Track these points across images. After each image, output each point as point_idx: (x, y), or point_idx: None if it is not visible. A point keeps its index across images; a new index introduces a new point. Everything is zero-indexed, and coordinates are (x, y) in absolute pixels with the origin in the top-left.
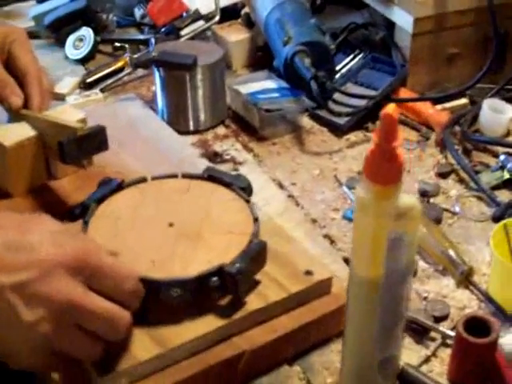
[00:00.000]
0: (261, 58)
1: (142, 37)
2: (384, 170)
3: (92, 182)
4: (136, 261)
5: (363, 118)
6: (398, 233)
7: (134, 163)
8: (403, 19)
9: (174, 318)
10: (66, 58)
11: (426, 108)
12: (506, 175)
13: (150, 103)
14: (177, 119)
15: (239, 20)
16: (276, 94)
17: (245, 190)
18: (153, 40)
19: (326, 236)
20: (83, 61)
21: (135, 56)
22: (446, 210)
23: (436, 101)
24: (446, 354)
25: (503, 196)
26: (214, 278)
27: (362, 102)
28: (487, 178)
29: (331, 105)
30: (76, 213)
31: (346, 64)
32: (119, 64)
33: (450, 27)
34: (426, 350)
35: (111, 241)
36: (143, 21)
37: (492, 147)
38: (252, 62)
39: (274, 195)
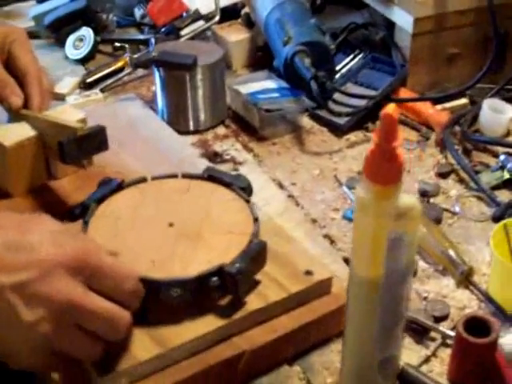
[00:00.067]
0: (261, 58)
1: (141, 37)
2: (384, 170)
3: (92, 182)
4: (136, 261)
5: (363, 118)
6: (398, 233)
7: (133, 163)
8: (403, 19)
9: (174, 318)
10: (66, 58)
11: (426, 108)
12: (506, 175)
13: (150, 103)
14: (177, 119)
15: (239, 20)
16: (276, 94)
17: (245, 190)
18: (153, 40)
19: (326, 236)
20: (83, 61)
21: (135, 56)
22: (446, 210)
23: (436, 101)
24: (446, 354)
25: (503, 196)
26: (214, 278)
27: (362, 102)
28: (487, 178)
29: (331, 105)
30: (76, 213)
31: (346, 64)
32: (119, 64)
33: (450, 27)
34: (426, 350)
35: (111, 241)
36: (143, 21)
37: (492, 147)
38: (252, 62)
39: (274, 195)
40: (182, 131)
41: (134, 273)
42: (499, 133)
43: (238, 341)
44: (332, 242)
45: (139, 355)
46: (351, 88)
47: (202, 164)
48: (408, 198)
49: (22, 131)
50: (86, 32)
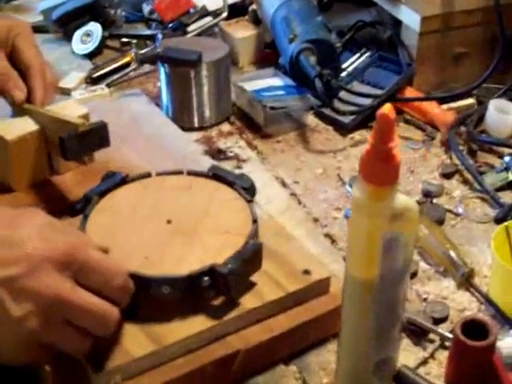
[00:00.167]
0: (267, 55)
1: (149, 32)
2: (379, 170)
3: (94, 177)
4: (130, 256)
5: (368, 117)
6: (394, 234)
7: (136, 159)
8: (410, 18)
9: (168, 316)
10: (74, 52)
11: (431, 108)
12: (511, 177)
13: (156, 99)
14: (181, 115)
15: (246, 17)
16: (281, 92)
17: (248, 190)
18: (159, 36)
19: (327, 235)
20: (90, 56)
21: (141, 52)
22: (449, 211)
23: (442, 100)
24: (443, 356)
25: (507, 198)
26: (206, 278)
27: (368, 101)
28: (492, 179)
29: (336, 103)
30: (77, 208)
31: (352, 62)
32: (125, 59)
33: (458, 26)
34: (423, 351)
35: (108, 234)
36: (151, 16)
37: (497, 148)
38: (258, 58)
39: (277, 193)
40: (187, 127)
41: (122, 268)
42: (505, 134)
43: (233, 340)
44: (333, 241)
45: (134, 352)
46: (357, 86)
47: (205, 161)
48: (405, 198)
49: (25, 125)
50: (94, 27)
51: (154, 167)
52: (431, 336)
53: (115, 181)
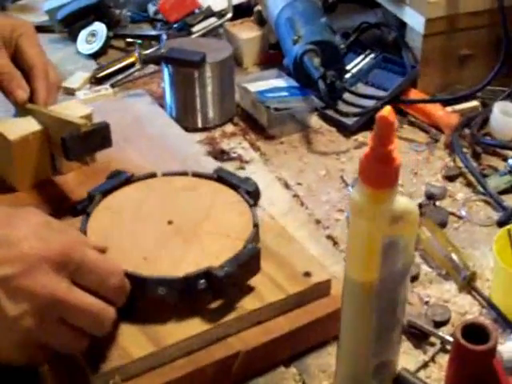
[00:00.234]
0: (272, 56)
1: (153, 33)
2: (379, 173)
3: (97, 177)
4: (128, 255)
5: (372, 119)
6: (394, 237)
7: (139, 159)
8: (415, 20)
9: (166, 317)
10: (79, 52)
11: (435, 110)
12: None
13: (160, 99)
14: (185, 116)
15: (251, 17)
16: (285, 93)
17: (252, 193)
18: (164, 36)
19: (330, 237)
20: (95, 56)
21: (146, 52)
22: (452, 214)
23: (446, 103)
24: (444, 359)
25: (511, 201)
26: (202, 281)
27: (372, 103)
28: (495, 183)
29: (341, 105)
30: (78, 208)
31: (356, 64)
32: (130, 60)
33: (462, 28)
34: (424, 355)
35: (108, 233)
36: (156, 17)
37: (502, 151)
38: (263, 59)
39: (279, 195)
40: (190, 128)
41: (118, 268)
42: (509, 136)
43: (234, 341)
44: (335, 243)
45: (133, 353)
46: (361, 88)
47: (208, 162)
48: (405, 201)
49: (28, 125)
50: (99, 27)
51: (157, 168)
52: (432, 339)
53: (120, 180)
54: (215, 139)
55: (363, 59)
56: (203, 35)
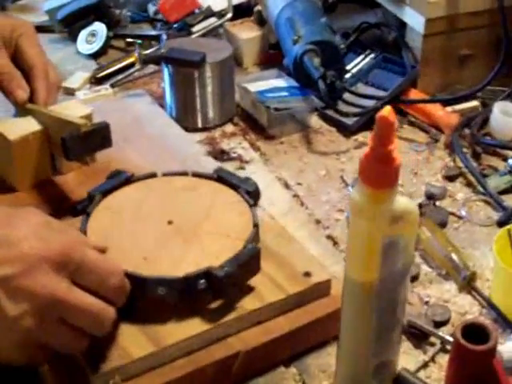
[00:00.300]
0: (272, 56)
1: (153, 33)
2: (379, 173)
3: (97, 177)
4: (128, 255)
5: (372, 119)
6: (394, 236)
7: (139, 159)
8: (415, 20)
9: (166, 316)
10: (79, 52)
11: (435, 110)
12: None
13: (160, 99)
14: (185, 116)
15: (251, 17)
16: (285, 93)
17: (252, 193)
18: (164, 36)
19: (330, 237)
20: (95, 56)
21: (146, 52)
22: (452, 214)
23: (446, 103)
24: (444, 359)
25: (511, 201)
26: (202, 281)
27: (372, 103)
28: (495, 183)
29: (341, 105)
30: (78, 208)
31: (356, 64)
32: (130, 60)
33: (462, 28)
34: (424, 355)
35: (108, 233)
36: (156, 17)
37: (502, 151)
38: (263, 59)
39: (279, 195)
40: (190, 128)
41: (118, 268)
42: (509, 136)
43: (233, 341)
44: (335, 243)
45: (133, 353)
46: (361, 88)
47: (208, 162)
48: (405, 201)
49: (28, 125)
50: (99, 27)
51: (157, 168)
52: (432, 339)
53: (120, 180)
54: (215, 139)
55: (363, 59)
56: (203, 35)
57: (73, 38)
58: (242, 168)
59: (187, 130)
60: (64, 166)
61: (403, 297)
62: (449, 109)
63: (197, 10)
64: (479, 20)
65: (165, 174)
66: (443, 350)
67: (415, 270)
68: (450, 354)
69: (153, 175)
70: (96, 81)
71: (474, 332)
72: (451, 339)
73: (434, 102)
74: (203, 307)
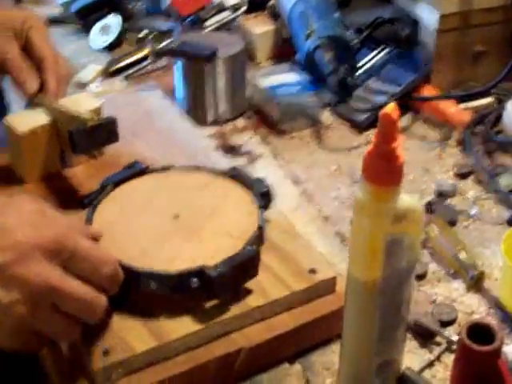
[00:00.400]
0: (285, 50)
1: (167, 26)
2: (382, 171)
3: (106, 170)
4: (127, 247)
5: None
6: (397, 235)
7: (148, 153)
8: (428, 15)
9: (171, 312)
10: (92, 45)
11: (448, 106)
12: None
13: (172, 93)
14: (196, 110)
15: (265, 12)
16: (297, 88)
17: (264, 195)
18: (177, 30)
19: (338, 234)
20: (109, 48)
21: (158, 46)
22: (462, 212)
23: (460, 99)
24: (450, 359)
25: None
26: (194, 279)
27: (384, 99)
28: (507, 181)
29: (353, 100)
30: (85, 202)
31: (370, 59)
32: (143, 53)
33: (476, 25)
34: (430, 354)
35: (113, 223)
36: (170, 10)
37: None
38: (276, 54)
39: (289, 190)
40: (201, 122)
41: (111, 257)
42: None
43: (237, 337)
44: (343, 240)
45: (136, 347)
46: (374, 84)
47: (217, 157)
48: (409, 199)
49: (37, 118)
50: (113, 20)
51: (165, 161)
52: (438, 339)
53: (134, 170)
54: (226, 134)
55: (377, 55)
56: (216, 29)
57: (87, 30)
58: (252, 163)
59: (198, 124)
60: (73, 159)
61: (408, 295)
62: (462, 106)
63: (210, 4)
64: (493, 16)
65: (179, 168)
66: (449, 349)
67: (423, 269)
68: (455, 354)
69: (168, 168)
70: (109, 74)
71: (479, 332)
72: (457, 339)
73: (446, 98)
74: (197, 306)
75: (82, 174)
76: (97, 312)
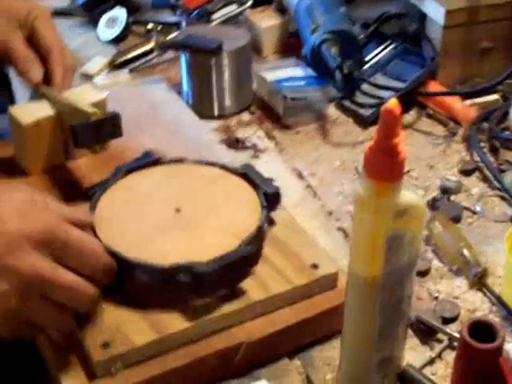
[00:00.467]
0: (292, 44)
1: (173, 19)
2: (384, 166)
3: (110, 163)
4: (125, 237)
5: None
6: (398, 231)
7: (152, 146)
8: (435, 11)
9: (172, 305)
10: (99, 37)
11: (454, 102)
12: None
13: (177, 86)
14: (201, 104)
15: (272, 5)
16: (302, 83)
17: (270, 195)
18: (184, 23)
19: (341, 229)
20: (115, 41)
21: (164, 39)
22: (467, 209)
23: (466, 96)
24: (451, 356)
25: None
26: (182, 275)
27: (390, 94)
28: None
29: (358, 96)
30: (89, 194)
31: (376, 54)
32: (149, 46)
33: (483, 21)
34: (431, 351)
35: (114, 211)
36: (177, 3)
37: None
38: (283, 48)
39: (292, 185)
40: (207, 116)
41: (101, 248)
42: None
43: (237, 332)
44: (346, 235)
45: (136, 340)
46: (380, 79)
47: (220, 150)
48: (411, 195)
49: (41, 110)
50: (119, 12)
51: (170, 155)
52: (440, 336)
53: (147, 160)
54: (231, 127)
55: (383, 50)
56: (223, 23)
57: (93, 23)
58: (257, 157)
59: (203, 117)
60: (77, 151)
61: (409, 292)
62: (468, 102)
63: None
64: (500, 12)
65: (192, 162)
66: (450, 346)
67: (426, 265)
68: (457, 352)
69: (181, 161)
70: (114, 66)
71: (481, 330)
72: (459, 336)
73: (452, 94)
74: (187, 302)
75: (87, 166)
76: (87, 301)
